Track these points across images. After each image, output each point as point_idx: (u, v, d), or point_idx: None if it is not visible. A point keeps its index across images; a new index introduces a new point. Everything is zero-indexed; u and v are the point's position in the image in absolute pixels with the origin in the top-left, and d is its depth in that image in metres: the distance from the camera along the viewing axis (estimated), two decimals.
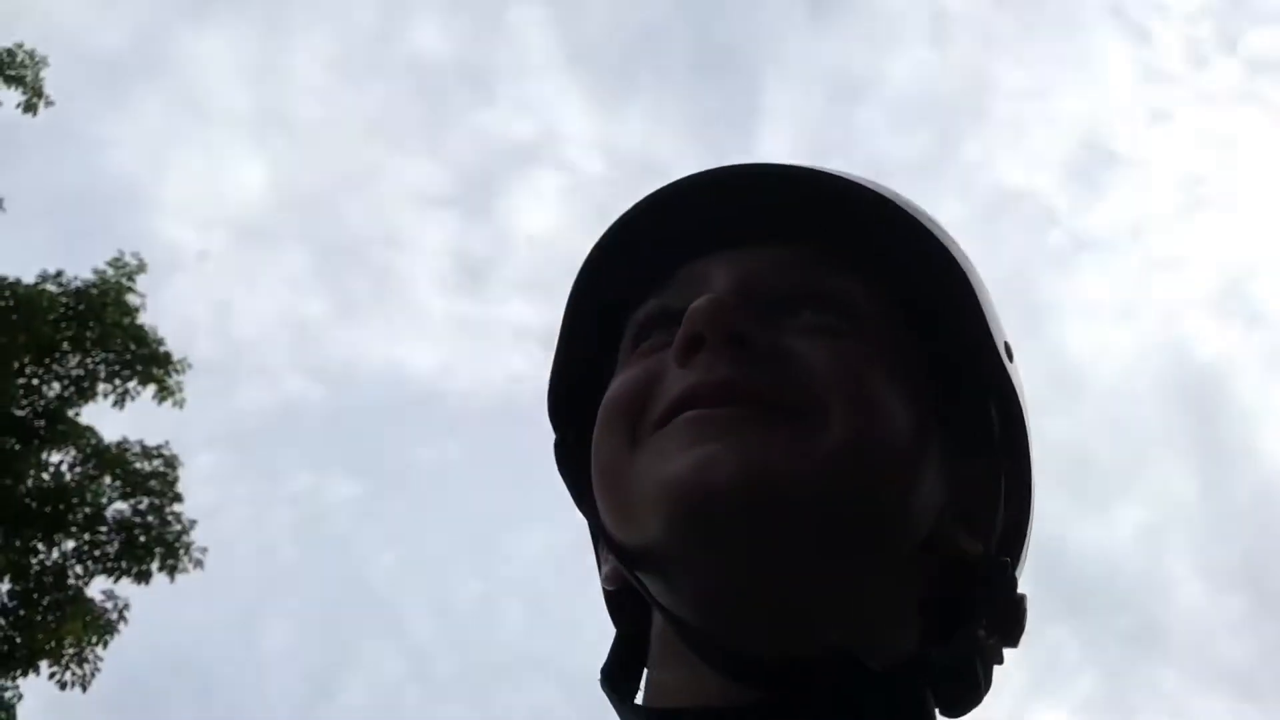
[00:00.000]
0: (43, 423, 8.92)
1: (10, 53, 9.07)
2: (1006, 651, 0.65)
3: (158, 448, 9.14)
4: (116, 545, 8.79)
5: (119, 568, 8.77)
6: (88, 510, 8.80)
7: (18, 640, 8.37)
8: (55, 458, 8.98)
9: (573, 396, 0.69)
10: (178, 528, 8.92)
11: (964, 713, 0.63)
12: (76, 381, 9.09)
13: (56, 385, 9.09)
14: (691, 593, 0.59)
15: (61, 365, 9.11)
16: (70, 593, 8.62)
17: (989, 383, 0.65)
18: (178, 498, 9.04)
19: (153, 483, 9.00)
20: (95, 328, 9.09)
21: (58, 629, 8.44)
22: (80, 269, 9.36)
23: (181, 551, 8.86)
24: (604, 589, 0.69)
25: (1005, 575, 0.64)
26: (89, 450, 8.99)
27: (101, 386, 9.14)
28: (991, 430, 0.65)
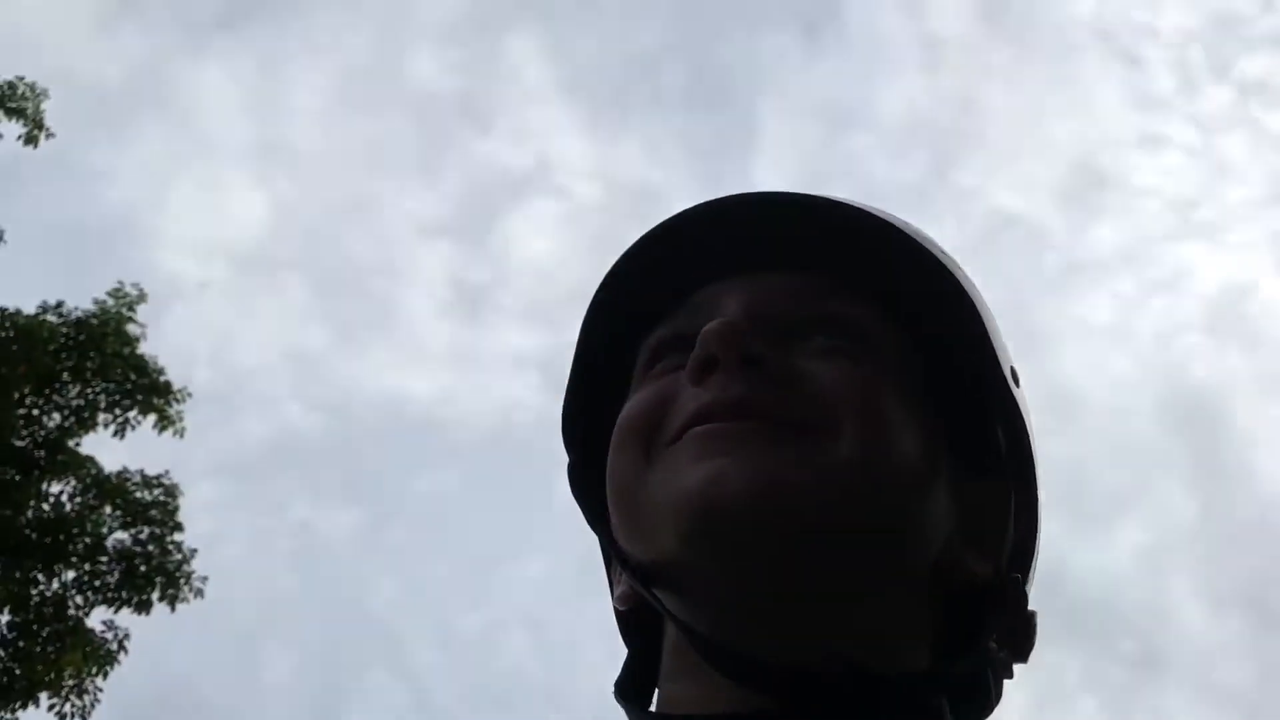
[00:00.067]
0: (43, 453, 8.91)
1: (11, 85, 9.12)
2: (1016, 668, 0.66)
3: (158, 477, 9.12)
4: (117, 575, 8.76)
5: (119, 598, 8.74)
6: (88, 540, 8.78)
7: (17, 672, 8.32)
8: (55, 488, 8.96)
9: (585, 420, 0.71)
10: (178, 557, 8.90)
11: None
12: (77, 411, 9.09)
13: (57, 415, 9.08)
14: (705, 604, 0.60)
15: (62, 395, 9.11)
16: (70, 623, 8.58)
17: (996, 407, 0.67)
18: (178, 527, 9.02)
19: (153, 512, 8.98)
20: (95, 358, 9.09)
21: (57, 660, 8.40)
22: (81, 300, 9.39)
23: (182, 581, 8.83)
24: (616, 609, 0.70)
25: (1018, 591, 0.66)
26: (89, 480, 8.97)
27: (102, 416, 9.14)
28: (999, 454, 0.67)
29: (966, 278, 0.68)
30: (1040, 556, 0.70)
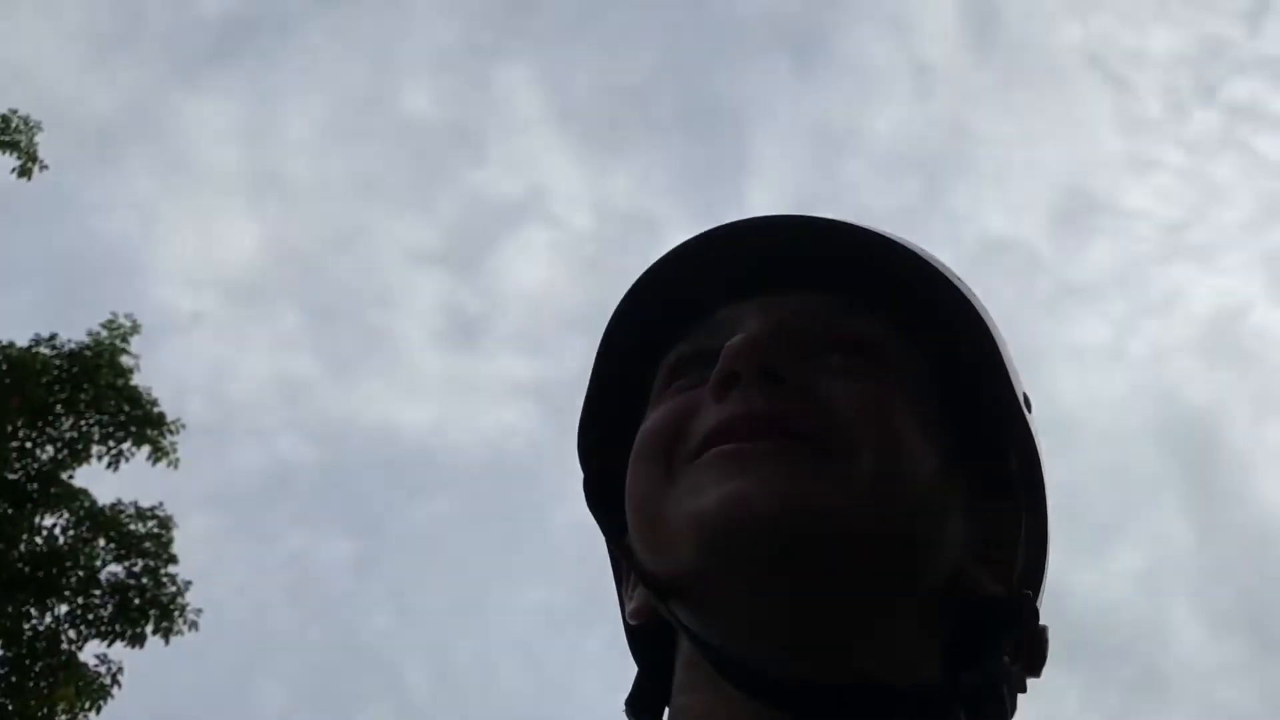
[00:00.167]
0: (36, 486, 8.87)
1: (5, 119, 9.14)
2: (1029, 684, 0.66)
3: (152, 509, 9.09)
4: (110, 608, 8.71)
5: (113, 631, 8.69)
6: (81, 573, 8.73)
7: (9, 707, 8.26)
8: (48, 521, 8.92)
9: (600, 436, 0.72)
10: (172, 589, 8.85)
11: None
12: (70, 444, 9.06)
13: (50, 448, 9.05)
14: (721, 618, 0.60)
15: (55, 428, 9.08)
16: (63, 657, 8.53)
17: (1009, 432, 0.68)
18: (172, 559, 8.98)
19: (147, 544, 8.93)
20: (89, 390, 9.07)
21: (50, 695, 8.34)
22: (74, 332, 9.38)
23: (176, 613, 8.78)
24: (627, 625, 0.70)
25: (1030, 607, 0.66)
26: (82, 513, 8.93)
27: (95, 448, 9.11)
28: (1011, 478, 0.68)
29: (981, 303, 0.69)
30: (1047, 579, 0.70)
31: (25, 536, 8.74)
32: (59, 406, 9.05)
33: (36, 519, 8.84)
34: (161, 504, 9.15)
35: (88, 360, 9.15)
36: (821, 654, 0.59)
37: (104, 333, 9.35)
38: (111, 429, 9.14)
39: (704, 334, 0.68)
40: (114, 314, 9.48)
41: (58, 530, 8.91)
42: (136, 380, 9.31)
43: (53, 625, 8.65)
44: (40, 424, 9.00)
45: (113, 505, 9.04)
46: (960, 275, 0.69)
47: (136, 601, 8.75)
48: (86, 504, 8.96)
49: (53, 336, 9.28)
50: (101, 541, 8.91)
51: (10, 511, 8.66)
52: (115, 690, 8.61)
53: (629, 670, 0.72)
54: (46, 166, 9.31)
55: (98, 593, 8.76)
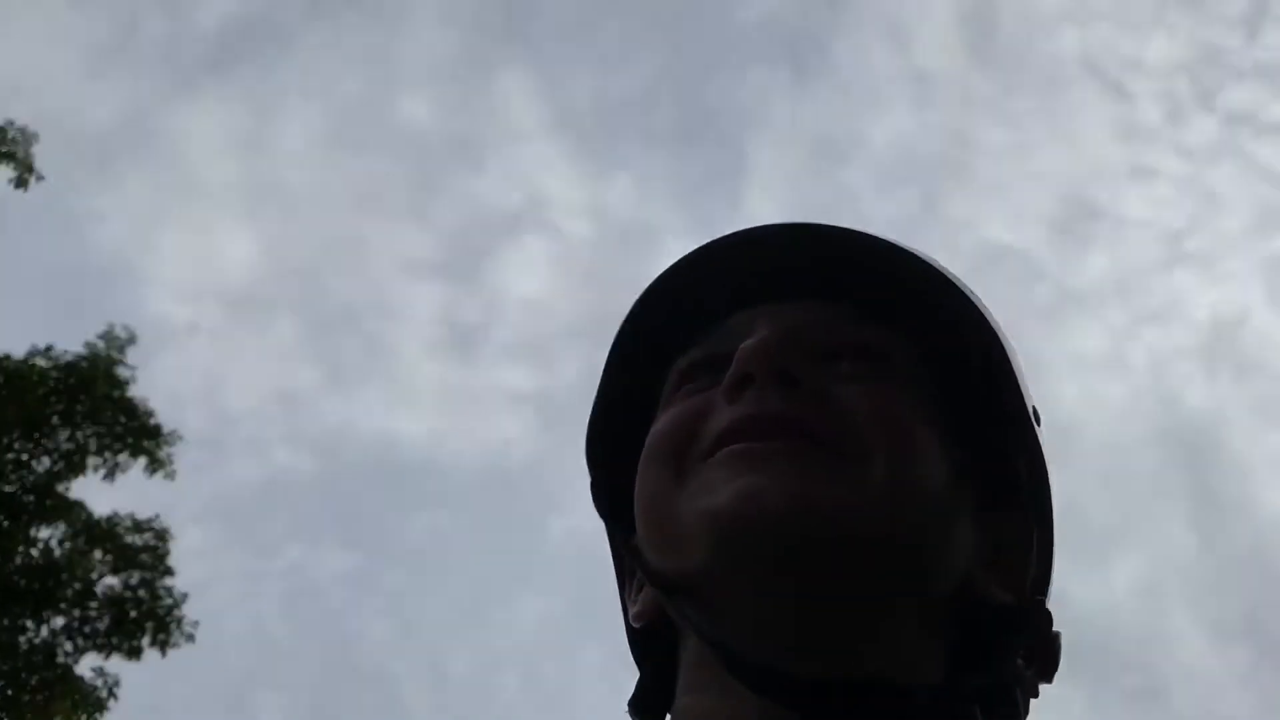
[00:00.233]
0: (32, 498, 8.86)
1: (1, 130, 9.15)
2: (1039, 693, 0.66)
3: (148, 521, 9.08)
4: (107, 621, 8.70)
5: (109, 644, 8.66)
6: (77, 586, 8.71)
7: None
8: (44, 533, 8.91)
9: (608, 440, 0.72)
10: (169, 602, 8.84)
11: None
12: (66, 455, 9.05)
13: (46, 460, 9.04)
14: (731, 617, 0.60)
15: (51, 439, 9.07)
16: (59, 671, 8.50)
17: (1020, 443, 0.68)
18: (169, 571, 8.96)
19: (144, 556, 8.92)
20: (85, 401, 9.07)
21: (47, 708, 8.31)
22: (71, 343, 9.38)
23: (173, 626, 8.77)
24: (630, 628, 0.70)
25: (1044, 613, 0.67)
26: (79, 525, 8.92)
27: (91, 460, 9.10)
28: (1021, 489, 0.68)
29: (991, 313, 0.69)
30: (1052, 589, 0.70)
31: (21, 549, 8.72)
32: (55, 418, 9.04)
33: (32, 531, 8.82)
34: (158, 516, 9.16)
35: (84, 371, 9.14)
36: (827, 653, 0.59)
37: (101, 344, 9.35)
38: (108, 440, 9.13)
39: (715, 340, 0.68)
40: (111, 325, 9.50)
41: (54, 543, 8.90)
42: (133, 392, 9.33)
43: (49, 638, 8.63)
44: (36, 436, 8.98)
45: (109, 517, 9.02)
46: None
47: (133, 614, 8.73)
48: (83, 516, 8.95)
49: (49, 348, 9.28)
50: (98, 554, 8.89)
51: (6, 524, 8.64)
52: (112, 703, 8.60)
53: (629, 680, 0.71)
54: (43, 177, 9.34)
55: (94, 605, 8.74)
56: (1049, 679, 0.66)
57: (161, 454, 9.21)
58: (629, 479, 0.68)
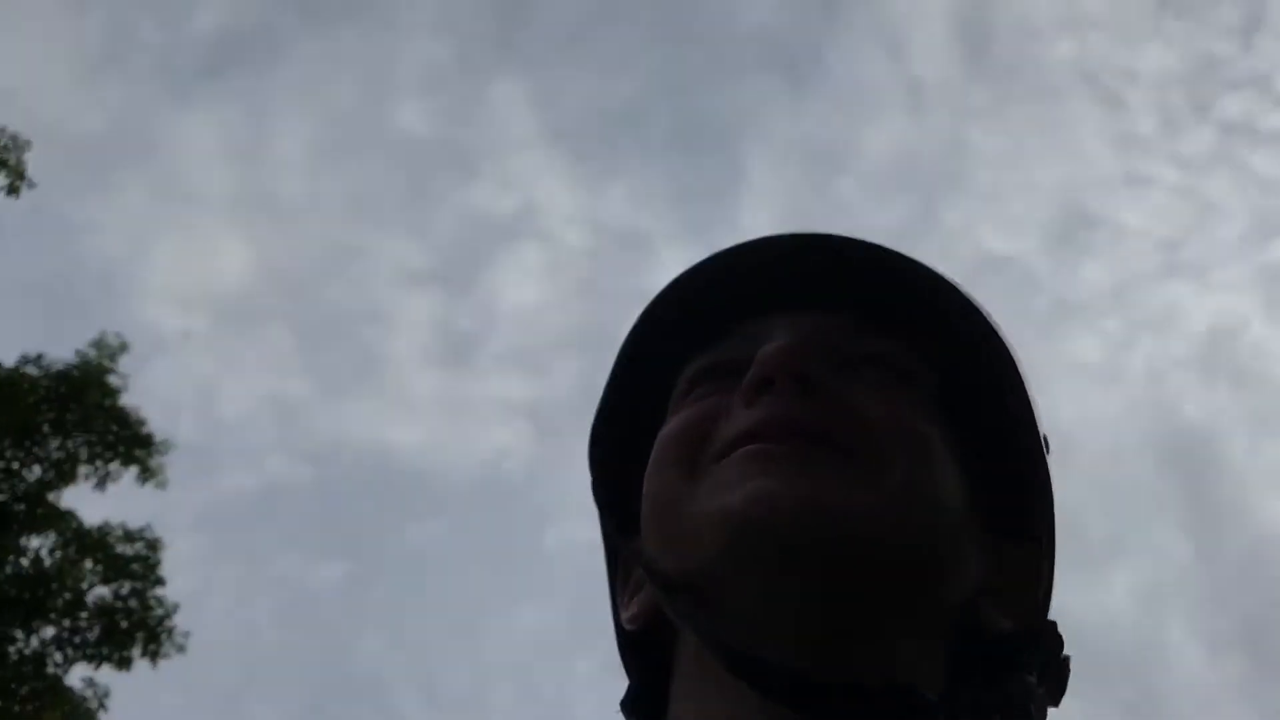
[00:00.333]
0: (22, 507, 8.83)
1: None
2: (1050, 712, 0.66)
3: (140, 530, 9.05)
4: (97, 631, 8.66)
5: (99, 654, 8.63)
6: (68, 596, 8.68)
7: None
8: (35, 543, 8.88)
9: (609, 443, 0.72)
10: (160, 612, 8.81)
11: None
12: (57, 464, 9.02)
13: (37, 468, 9.01)
14: (736, 616, 0.60)
15: (42, 448, 9.04)
16: (49, 681, 8.47)
17: (1032, 472, 0.68)
18: (160, 581, 8.94)
19: (134, 566, 8.89)
20: (77, 410, 9.04)
21: (37, 718, 8.27)
22: (62, 351, 9.39)
23: (164, 636, 8.74)
24: (623, 632, 0.70)
25: (1055, 636, 0.67)
26: (69, 534, 8.89)
27: (83, 469, 9.08)
28: (1028, 515, 0.68)
29: (1011, 341, 0.69)
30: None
31: (11, 558, 8.68)
32: (46, 427, 9.01)
33: (23, 540, 8.79)
34: (149, 525, 9.13)
35: (76, 380, 9.12)
36: (831, 656, 0.59)
37: (92, 352, 9.33)
38: (99, 449, 9.11)
39: (726, 346, 0.69)
40: (103, 333, 9.48)
41: (44, 552, 8.87)
42: (125, 400, 9.30)
43: (39, 648, 8.59)
44: (27, 444, 8.96)
45: (100, 527, 9.00)
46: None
47: (124, 624, 8.70)
48: (74, 525, 8.92)
49: (40, 356, 9.26)
50: (89, 563, 8.86)
51: None
52: (102, 714, 8.56)
53: (623, 690, 0.71)
54: (35, 185, 9.33)
55: (85, 615, 8.71)
56: (1056, 703, 0.66)
57: (153, 463, 9.20)
58: (627, 482, 0.68)
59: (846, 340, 0.67)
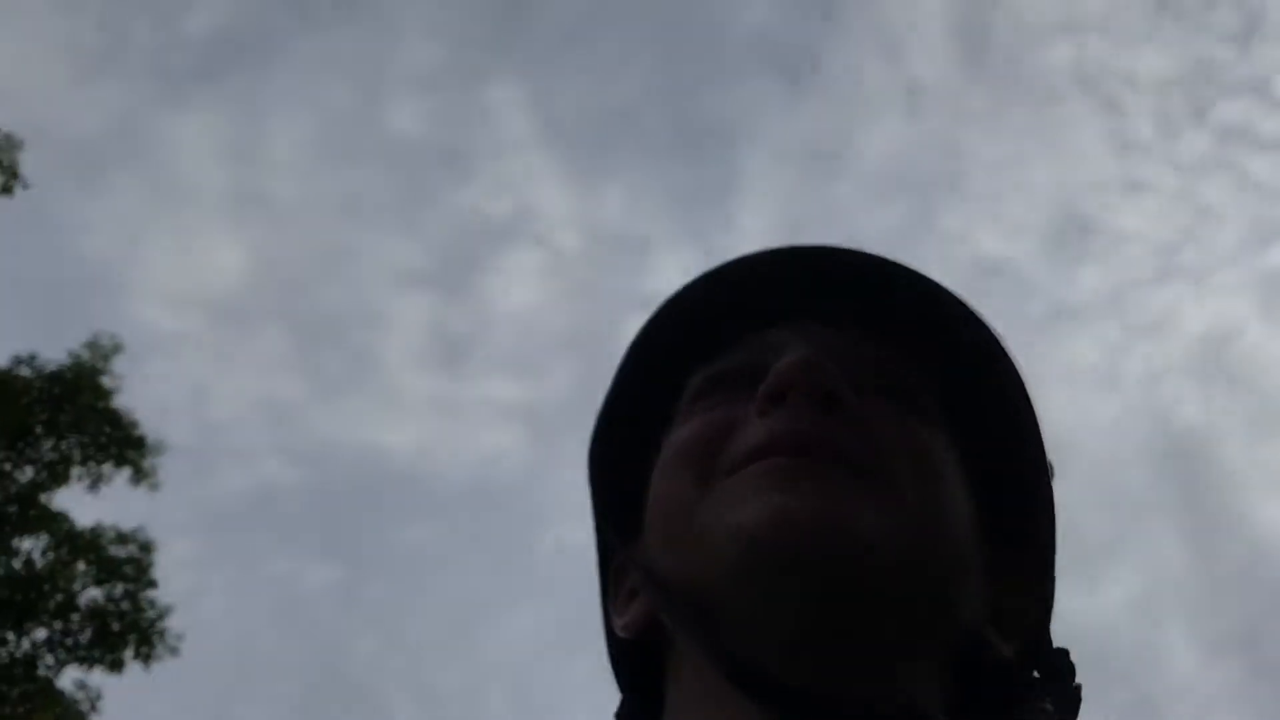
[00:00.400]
0: (14, 508, 8.81)
1: None
2: None
3: (132, 532, 9.03)
4: (89, 633, 8.64)
5: (91, 656, 8.61)
6: (60, 598, 8.66)
7: None
8: (27, 544, 8.86)
9: (609, 447, 0.72)
10: (152, 614, 8.79)
11: None
12: (50, 466, 9.00)
13: (29, 469, 8.99)
14: (743, 628, 0.60)
15: (35, 449, 9.02)
16: (41, 683, 8.44)
17: (1038, 501, 0.69)
18: (152, 583, 8.92)
19: (127, 568, 8.87)
20: (70, 411, 9.03)
21: None
22: (55, 352, 9.34)
23: (156, 638, 8.72)
24: (613, 640, 0.70)
25: (1065, 661, 0.67)
26: (62, 536, 8.87)
27: (75, 470, 9.06)
28: (1032, 537, 0.68)
29: (1022, 366, 0.70)
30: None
31: (3, 560, 8.66)
32: (39, 428, 8.99)
33: (15, 542, 8.77)
34: (142, 527, 9.11)
35: (69, 381, 9.10)
36: (835, 674, 0.59)
37: (86, 353, 9.31)
38: (92, 451, 9.09)
39: (737, 356, 0.68)
40: (96, 334, 9.46)
41: (36, 554, 8.85)
42: (118, 401, 9.29)
43: (30, 650, 8.56)
44: (20, 445, 8.94)
45: (92, 528, 8.97)
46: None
47: (116, 626, 8.68)
48: (66, 527, 8.90)
49: (33, 357, 9.24)
50: (81, 565, 8.84)
51: None
52: (94, 717, 8.54)
53: (617, 696, 0.70)
54: (29, 185, 9.31)
55: (77, 617, 8.68)
56: None
57: (146, 465, 9.19)
58: (624, 489, 0.68)
59: (862, 356, 0.67)
